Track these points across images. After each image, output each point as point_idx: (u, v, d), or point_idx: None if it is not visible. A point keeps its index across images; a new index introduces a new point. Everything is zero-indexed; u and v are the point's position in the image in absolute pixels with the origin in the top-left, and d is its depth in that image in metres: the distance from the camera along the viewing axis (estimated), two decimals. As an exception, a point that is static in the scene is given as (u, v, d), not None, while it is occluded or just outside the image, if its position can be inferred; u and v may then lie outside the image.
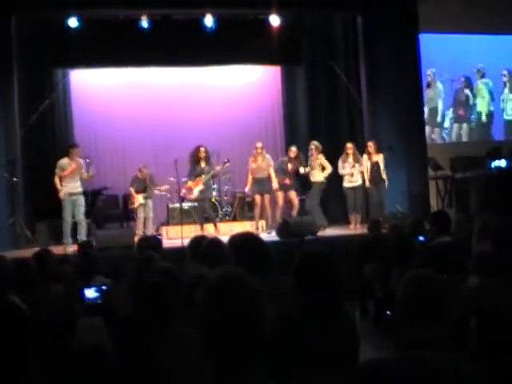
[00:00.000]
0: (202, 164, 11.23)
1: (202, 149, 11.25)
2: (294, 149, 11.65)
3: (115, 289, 5.29)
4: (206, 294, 1.89)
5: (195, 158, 11.24)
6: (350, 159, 11.64)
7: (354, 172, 11.63)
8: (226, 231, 10.72)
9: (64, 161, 10.58)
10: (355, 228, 11.54)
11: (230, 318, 1.81)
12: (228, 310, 1.82)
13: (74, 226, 10.65)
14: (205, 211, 11.40)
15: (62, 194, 10.47)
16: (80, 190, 10.53)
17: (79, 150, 10.71)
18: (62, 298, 3.21)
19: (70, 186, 10.44)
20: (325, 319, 2.98)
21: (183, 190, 11.46)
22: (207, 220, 11.45)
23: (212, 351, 1.84)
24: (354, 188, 11.68)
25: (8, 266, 5.14)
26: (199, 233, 10.36)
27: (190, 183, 11.22)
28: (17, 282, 4.75)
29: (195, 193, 11.21)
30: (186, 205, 11.84)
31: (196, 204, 11.61)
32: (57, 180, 10.49)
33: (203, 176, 11.18)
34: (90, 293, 5.09)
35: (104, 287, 5.18)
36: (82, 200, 10.57)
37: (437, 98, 14.41)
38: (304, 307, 3.04)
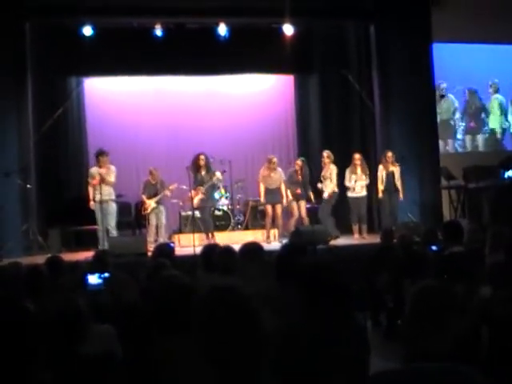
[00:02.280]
0: (202, 172, 11.23)
1: (202, 157, 11.24)
2: (298, 162, 11.73)
3: (118, 276, 5.34)
4: (200, 304, 1.92)
5: (195, 167, 11.25)
6: (358, 171, 11.59)
7: (360, 183, 11.59)
8: (237, 240, 10.72)
9: (92, 169, 10.81)
10: (359, 238, 11.53)
11: (223, 326, 1.83)
12: (221, 318, 1.84)
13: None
14: (205, 220, 11.36)
15: (91, 204, 10.68)
16: (108, 197, 10.62)
17: (107, 157, 10.80)
18: (69, 301, 3.21)
19: (100, 194, 10.55)
20: (332, 327, 2.98)
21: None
22: (215, 228, 11.44)
23: (212, 359, 1.85)
24: (357, 198, 11.63)
25: (22, 272, 5.18)
26: (206, 241, 10.41)
27: (192, 192, 11.19)
28: (29, 288, 4.78)
29: (196, 202, 11.19)
30: (198, 213, 11.84)
31: (198, 213, 11.52)
32: (89, 189, 10.74)
33: (203, 185, 11.20)
34: (93, 279, 5.14)
35: (107, 274, 5.24)
36: (111, 208, 10.70)
37: (450, 109, 14.33)
38: (310, 315, 3.05)
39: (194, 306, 1.94)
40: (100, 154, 10.83)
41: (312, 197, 11.76)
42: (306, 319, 3.05)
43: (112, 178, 10.71)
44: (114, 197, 10.85)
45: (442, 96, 14.00)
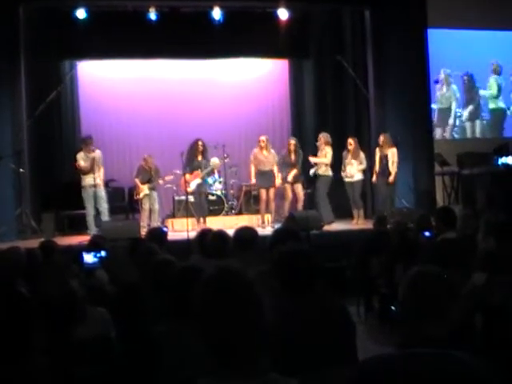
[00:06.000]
0: (199, 157, 11.22)
1: (200, 142, 11.26)
2: (292, 141, 11.69)
3: (115, 255, 5.35)
4: (202, 288, 1.91)
5: (193, 152, 11.24)
6: (350, 156, 11.59)
7: (351, 168, 11.57)
8: (231, 224, 10.72)
9: (78, 154, 10.82)
10: (357, 223, 11.53)
11: (226, 309, 1.83)
12: (224, 302, 1.84)
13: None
14: (201, 205, 11.38)
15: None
16: (92, 182, 10.65)
17: (91, 142, 10.89)
18: (63, 285, 3.21)
19: (89, 178, 10.66)
20: (310, 314, 3.02)
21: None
22: (209, 212, 11.46)
23: (211, 343, 1.85)
24: (351, 183, 11.59)
25: (22, 257, 5.16)
26: (198, 226, 10.44)
27: (187, 176, 11.18)
28: (23, 272, 4.78)
29: (192, 186, 11.19)
30: (191, 197, 11.83)
31: (193, 198, 11.52)
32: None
33: (200, 170, 11.19)
34: (89, 258, 5.17)
35: (103, 253, 5.27)
36: (101, 191, 10.83)
37: (452, 98, 14.25)
38: (287, 304, 3.08)
39: (195, 289, 1.93)
40: (82, 140, 11.20)
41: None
42: (287, 304, 3.09)
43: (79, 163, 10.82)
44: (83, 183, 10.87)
45: (437, 81, 13.93)
